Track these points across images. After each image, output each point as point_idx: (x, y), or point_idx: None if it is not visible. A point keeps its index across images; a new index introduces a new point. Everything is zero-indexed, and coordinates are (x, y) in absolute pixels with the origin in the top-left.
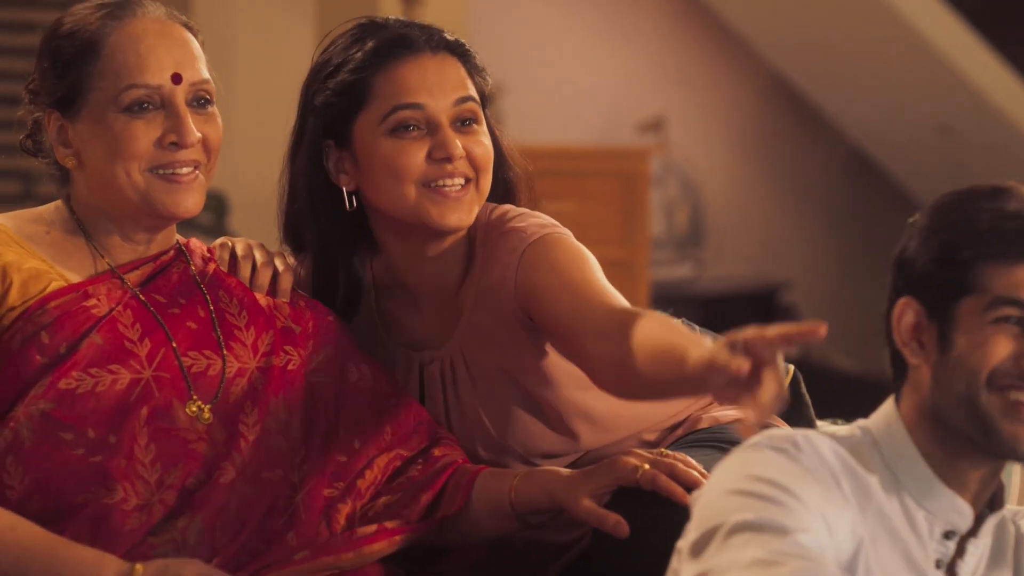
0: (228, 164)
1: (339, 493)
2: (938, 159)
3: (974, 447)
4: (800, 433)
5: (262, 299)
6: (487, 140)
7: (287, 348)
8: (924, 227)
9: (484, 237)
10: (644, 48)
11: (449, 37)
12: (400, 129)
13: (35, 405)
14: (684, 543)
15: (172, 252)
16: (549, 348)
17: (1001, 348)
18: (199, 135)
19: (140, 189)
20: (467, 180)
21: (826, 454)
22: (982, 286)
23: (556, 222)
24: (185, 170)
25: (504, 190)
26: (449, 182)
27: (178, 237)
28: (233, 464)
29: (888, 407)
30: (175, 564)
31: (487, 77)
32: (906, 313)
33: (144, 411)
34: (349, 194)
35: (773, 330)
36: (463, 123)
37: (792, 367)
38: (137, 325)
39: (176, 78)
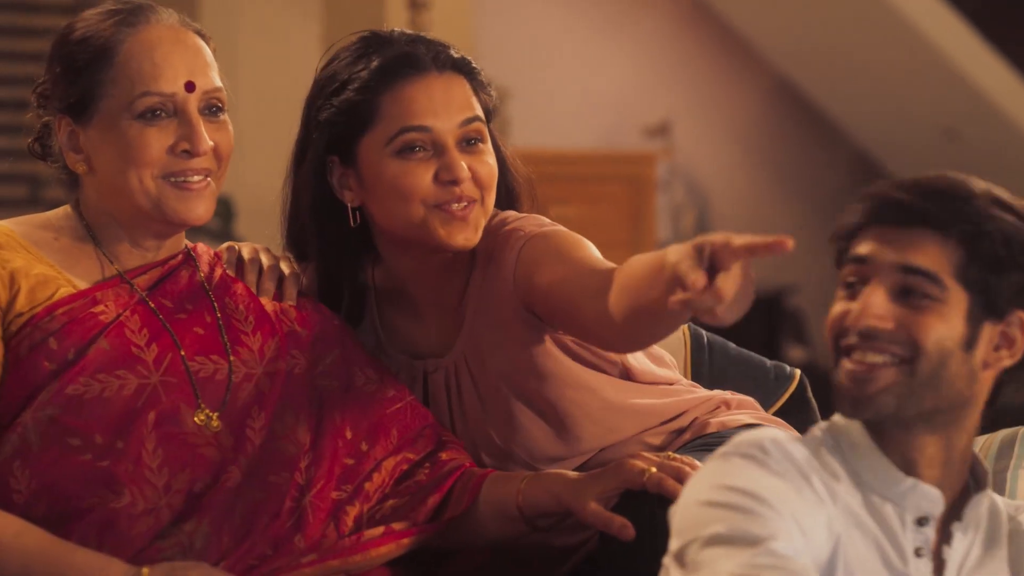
0: (235, 169)
1: (346, 496)
2: (943, 162)
3: (895, 423)
4: (767, 437)
5: (268, 304)
6: (492, 159)
7: (293, 352)
8: None
9: (484, 244)
10: (650, 52)
11: (455, 54)
12: (406, 151)
13: (43, 411)
14: (667, 558)
15: (180, 257)
16: (550, 347)
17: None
18: (211, 143)
19: (152, 196)
20: (472, 200)
21: (795, 454)
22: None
23: (555, 223)
24: (197, 178)
25: (507, 197)
26: (456, 205)
27: (186, 242)
28: (239, 468)
29: None
30: (182, 568)
31: (492, 92)
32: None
33: (151, 416)
34: (353, 210)
35: (740, 239)
36: (468, 143)
37: (798, 372)
38: (144, 330)
39: (189, 86)
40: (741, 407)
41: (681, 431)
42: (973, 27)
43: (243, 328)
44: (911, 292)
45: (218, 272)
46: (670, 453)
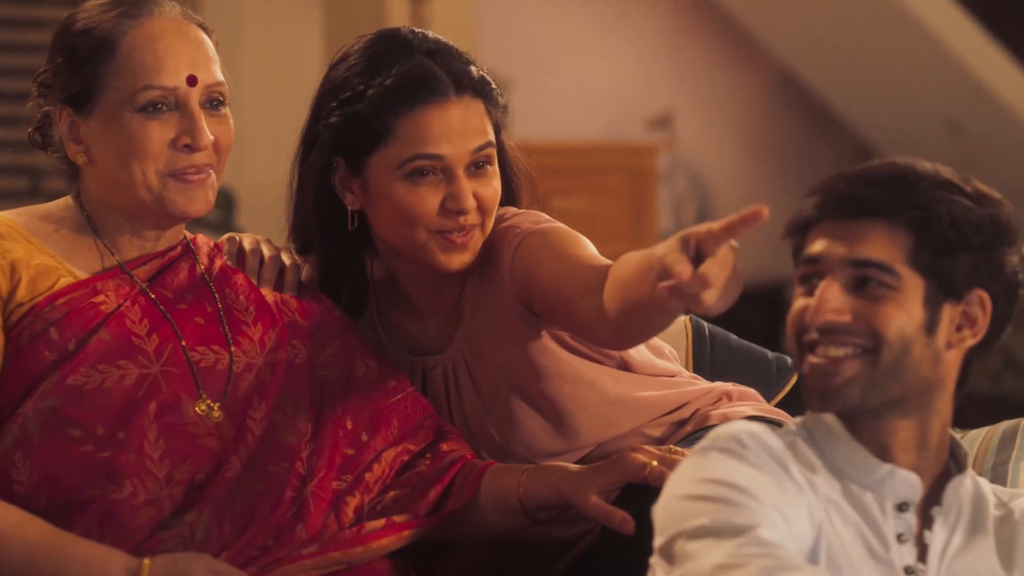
0: (236, 161)
1: (347, 486)
2: (946, 155)
3: (864, 412)
4: (744, 430)
5: (269, 295)
6: (497, 182)
7: (294, 342)
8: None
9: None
10: (652, 44)
11: (475, 73)
12: (416, 175)
13: (43, 401)
14: (653, 557)
15: (180, 248)
16: (547, 342)
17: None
18: (212, 138)
19: (153, 189)
20: (474, 226)
21: (772, 446)
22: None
23: (552, 219)
24: (198, 173)
25: (507, 192)
26: (457, 233)
27: (185, 233)
28: (240, 458)
29: None
30: (183, 559)
31: (506, 107)
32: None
33: (152, 406)
34: (352, 212)
35: (717, 224)
36: (477, 166)
37: None
38: (145, 321)
39: (191, 80)
40: (743, 399)
41: (682, 423)
42: (975, 20)
43: (244, 319)
44: (866, 283)
45: (218, 263)
46: (672, 447)
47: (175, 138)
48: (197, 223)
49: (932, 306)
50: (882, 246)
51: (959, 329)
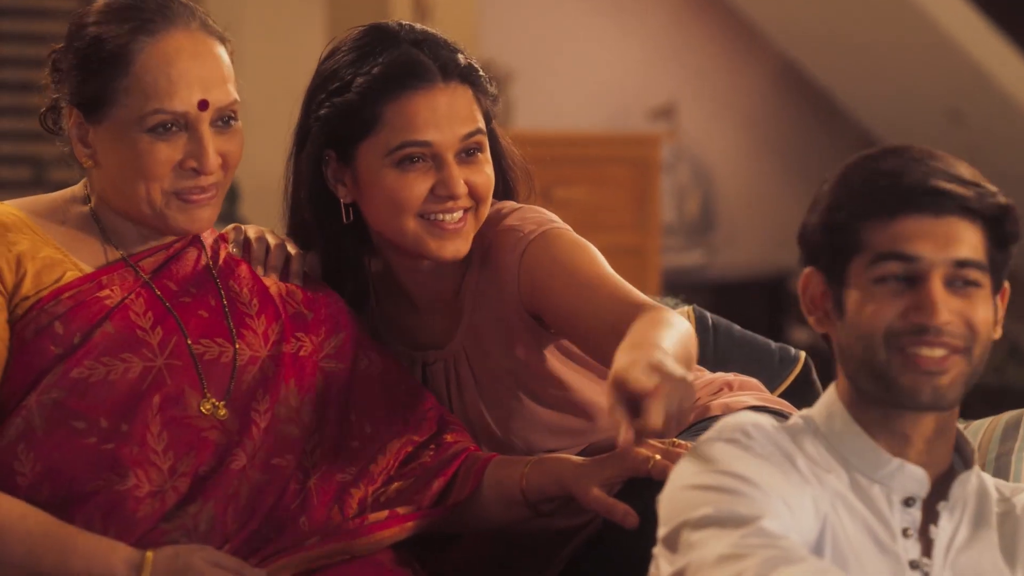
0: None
1: (351, 478)
2: (948, 144)
3: (888, 405)
4: (749, 421)
5: (273, 287)
6: (489, 168)
7: (298, 335)
8: (818, 196)
9: (480, 237)
10: (655, 34)
11: (462, 61)
12: (406, 162)
13: (47, 394)
14: (657, 547)
15: (185, 240)
16: (551, 350)
17: (887, 308)
18: (219, 160)
19: (156, 206)
20: (465, 210)
21: (779, 436)
22: (864, 244)
23: (554, 216)
24: (202, 194)
25: (504, 187)
26: (448, 216)
27: None
28: (244, 451)
29: (829, 390)
30: (186, 551)
31: (496, 95)
32: (809, 284)
33: (156, 399)
34: (346, 205)
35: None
36: (467, 153)
37: (803, 354)
38: (149, 313)
39: (203, 105)
40: (744, 388)
41: None
42: (977, 8)
43: (247, 311)
44: (961, 281)
45: (222, 254)
46: (675, 440)
47: (182, 160)
48: None
49: (993, 300)
50: (974, 245)
51: (995, 323)
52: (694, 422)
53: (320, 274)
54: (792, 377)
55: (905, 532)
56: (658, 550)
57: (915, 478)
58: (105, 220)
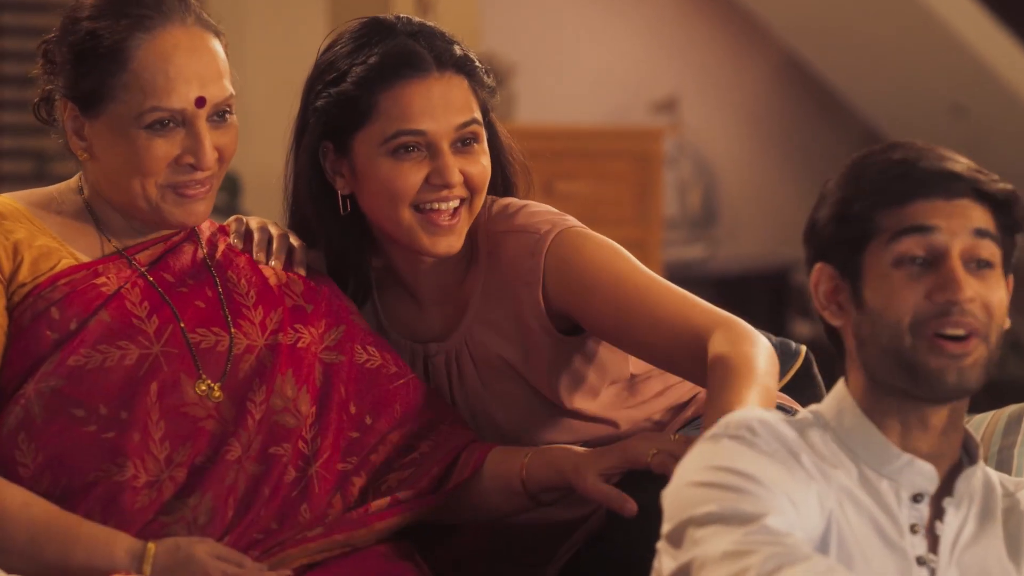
0: (242, 145)
1: (352, 467)
2: (951, 139)
3: (907, 396)
4: (755, 417)
5: (272, 278)
6: (485, 159)
7: (296, 326)
8: (825, 193)
9: (487, 234)
10: (658, 28)
11: (457, 52)
12: (401, 151)
13: (45, 382)
14: (660, 543)
15: (182, 232)
16: (564, 354)
17: (910, 293)
18: (215, 155)
19: (152, 200)
20: (461, 201)
21: (784, 432)
22: (880, 228)
23: (560, 212)
24: (199, 188)
25: (503, 183)
26: (443, 205)
27: None
28: (239, 441)
29: (838, 385)
30: (187, 543)
31: (491, 84)
32: (821, 279)
33: (154, 387)
34: (344, 197)
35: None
36: (463, 143)
37: (804, 348)
38: (145, 303)
39: (200, 102)
40: None
41: (683, 407)
42: (981, 4)
43: (245, 302)
44: (975, 263)
45: (221, 246)
46: (675, 433)
47: (179, 155)
48: None
49: (1004, 285)
50: (987, 222)
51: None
52: (694, 416)
53: (324, 270)
54: (793, 371)
55: (913, 528)
56: (662, 546)
57: (924, 474)
58: (99, 212)
